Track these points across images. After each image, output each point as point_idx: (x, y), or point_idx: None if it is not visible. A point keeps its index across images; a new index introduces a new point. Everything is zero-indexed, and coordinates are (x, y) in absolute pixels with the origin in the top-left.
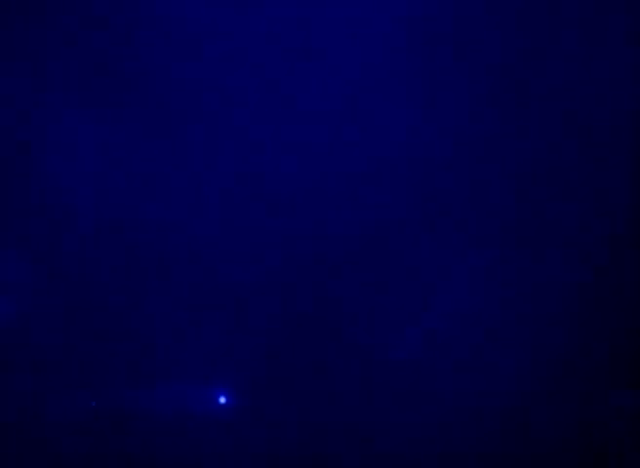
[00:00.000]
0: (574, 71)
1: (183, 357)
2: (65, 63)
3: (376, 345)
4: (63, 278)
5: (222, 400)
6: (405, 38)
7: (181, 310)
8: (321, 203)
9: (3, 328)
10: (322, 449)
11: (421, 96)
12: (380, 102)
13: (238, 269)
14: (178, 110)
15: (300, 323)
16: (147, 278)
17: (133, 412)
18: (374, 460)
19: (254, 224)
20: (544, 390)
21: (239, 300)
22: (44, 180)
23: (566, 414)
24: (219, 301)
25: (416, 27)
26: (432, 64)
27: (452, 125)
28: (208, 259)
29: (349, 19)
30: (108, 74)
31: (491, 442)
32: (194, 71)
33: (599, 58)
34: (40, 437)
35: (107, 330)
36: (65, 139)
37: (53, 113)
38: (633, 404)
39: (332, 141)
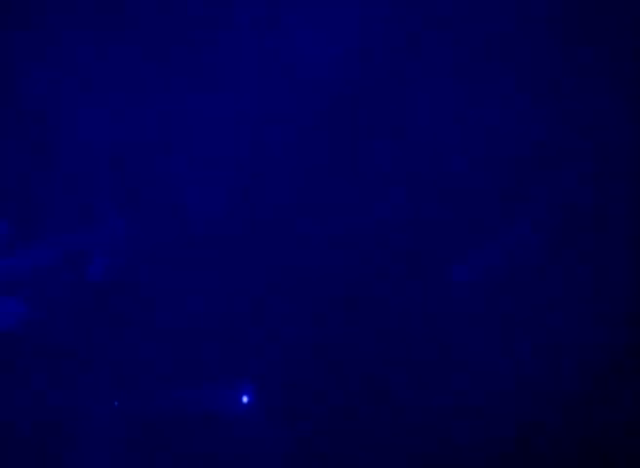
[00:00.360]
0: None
1: (205, 357)
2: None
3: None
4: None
5: (245, 399)
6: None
7: (203, 310)
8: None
9: (21, 326)
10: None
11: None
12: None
13: (259, 269)
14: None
15: (321, 323)
16: (164, 278)
17: (155, 413)
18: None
19: (268, 223)
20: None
21: (260, 297)
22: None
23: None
24: (239, 300)
25: (400, 26)
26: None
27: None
28: (227, 261)
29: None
30: None
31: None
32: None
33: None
34: (65, 437)
35: (127, 330)
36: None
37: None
38: None
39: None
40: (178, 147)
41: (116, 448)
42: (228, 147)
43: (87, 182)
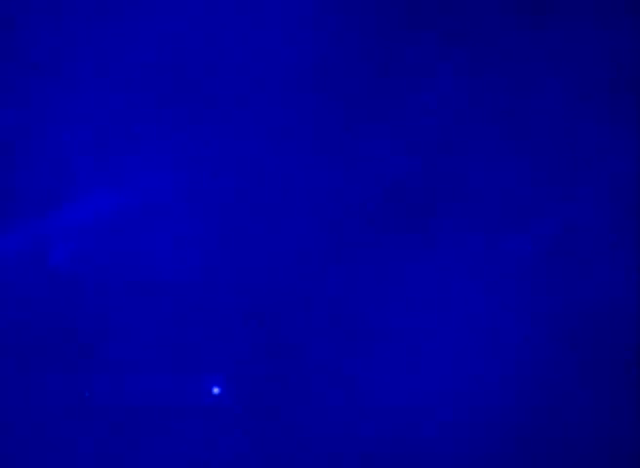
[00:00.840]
0: None
1: (175, 347)
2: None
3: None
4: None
5: (216, 390)
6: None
7: (171, 301)
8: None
9: None
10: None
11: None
12: None
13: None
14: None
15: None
16: (134, 272)
17: (122, 403)
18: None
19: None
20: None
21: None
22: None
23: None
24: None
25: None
26: None
27: None
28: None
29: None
30: None
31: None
32: None
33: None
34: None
35: (97, 320)
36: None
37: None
38: None
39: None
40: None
41: (86, 438)
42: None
43: (52, 167)
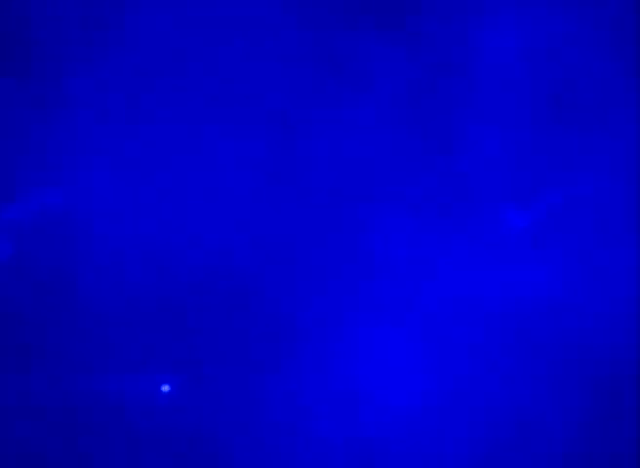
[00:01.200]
0: None
1: (123, 345)
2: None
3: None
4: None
5: (166, 388)
6: None
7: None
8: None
9: None
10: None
11: None
12: None
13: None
14: None
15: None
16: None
17: (72, 403)
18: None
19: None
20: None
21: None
22: None
23: None
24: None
25: None
26: None
27: None
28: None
29: None
30: None
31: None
32: None
33: None
34: None
35: (42, 318)
36: None
37: None
38: None
39: None
40: None
41: (30, 438)
42: None
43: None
